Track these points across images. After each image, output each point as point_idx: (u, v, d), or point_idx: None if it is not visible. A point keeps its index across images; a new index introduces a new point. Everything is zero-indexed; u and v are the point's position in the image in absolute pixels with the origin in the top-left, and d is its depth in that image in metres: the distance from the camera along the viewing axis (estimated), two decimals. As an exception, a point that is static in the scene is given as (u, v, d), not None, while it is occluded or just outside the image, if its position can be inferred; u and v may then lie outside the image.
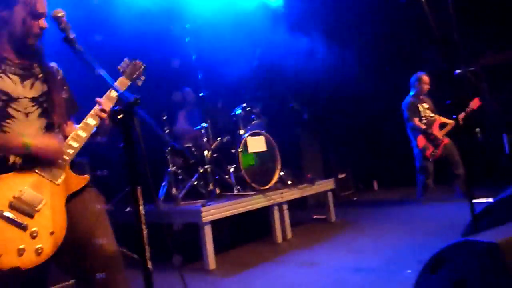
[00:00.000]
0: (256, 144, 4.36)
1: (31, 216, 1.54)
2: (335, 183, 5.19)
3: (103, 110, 1.74)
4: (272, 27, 6.25)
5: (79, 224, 1.67)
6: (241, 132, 4.41)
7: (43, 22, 1.67)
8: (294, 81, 6.16)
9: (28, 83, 1.72)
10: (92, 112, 1.75)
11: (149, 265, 1.30)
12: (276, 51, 5.58)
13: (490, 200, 4.19)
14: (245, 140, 4.26)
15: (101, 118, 1.74)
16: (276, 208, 4.16)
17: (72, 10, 1.81)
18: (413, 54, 6.36)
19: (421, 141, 5.30)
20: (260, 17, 6.34)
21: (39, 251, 1.53)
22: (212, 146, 4.28)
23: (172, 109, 4.81)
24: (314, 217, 5.21)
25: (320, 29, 6.85)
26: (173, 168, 4.33)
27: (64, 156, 1.66)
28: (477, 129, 5.59)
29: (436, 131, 5.31)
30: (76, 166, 1.76)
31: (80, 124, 1.73)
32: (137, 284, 1.69)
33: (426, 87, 5.46)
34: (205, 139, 4.25)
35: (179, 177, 4.39)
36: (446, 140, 5.29)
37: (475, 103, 5.18)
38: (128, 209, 4.04)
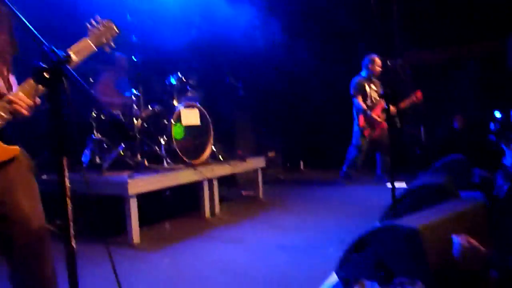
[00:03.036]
0: (190, 117, 4.22)
1: None
2: (265, 161, 5.26)
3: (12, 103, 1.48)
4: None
5: (5, 195, 1.51)
6: (175, 103, 4.24)
7: None
8: (232, 56, 6.04)
9: None
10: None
11: (73, 243, 1.17)
12: (217, 23, 5.39)
13: (404, 185, 4.57)
14: (179, 112, 4.10)
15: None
16: (206, 183, 4.10)
17: None
18: (350, 40, 6.52)
19: (361, 120, 5.47)
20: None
21: None
22: (143, 115, 4.06)
23: (96, 72, 4.44)
24: (243, 193, 5.25)
25: (262, 3, 6.76)
26: (98, 135, 4.04)
27: None
28: (397, 118, 5.96)
29: (376, 114, 5.47)
30: (5, 134, 1.53)
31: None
32: (58, 259, 1.58)
33: (378, 69, 5.55)
34: (135, 107, 4.01)
35: (104, 146, 4.11)
36: (384, 124, 5.42)
37: (418, 96, 5.43)
38: (44, 176, 3.71)
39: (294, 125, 7.35)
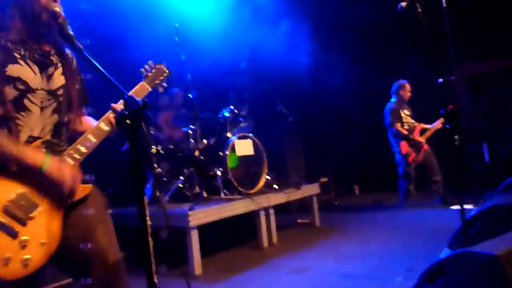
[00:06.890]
0: (244, 147, 4.31)
1: (23, 223, 1.43)
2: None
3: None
4: (260, 27, 6.21)
5: (82, 232, 1.60)
6: (229, 134, 4.35)
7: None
8: (280, 83, 6.13)
9: (46, 73, 1.58)
10: (105, 116, 1.65)
11: (155, 279, 1.23)
12: (264, 52, 5.53)
13: (471, 207, 4.31)
14: (233, 143, 4.20)
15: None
16: (262, 212, 4.11)
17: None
18: (396, 61, 6.45)
19: (404, 146, 5.38)
20: (249, 16, 6.28)
21: (27, 262, 1.42)
22: (200, 148, 4.20)
23: (155, 108, 4.71)
24: (299, 221, 5.19)
25: (306, 31, 6.86)
26: (158, 170, 4.22)
27: (70, 161, 1.56)
28: (456, 136, 5.71)
29: (418, 137, 5.42)
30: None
31: (91, 129, 1.63)
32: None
33: (408, 94, 5.59)
34: (192, 141, 4.16)
35: (164, 179, 4.28)
36: (426, 146, 5.41)
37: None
38: (109, 210, 3.91)
39: (345, 149, 7.23)
